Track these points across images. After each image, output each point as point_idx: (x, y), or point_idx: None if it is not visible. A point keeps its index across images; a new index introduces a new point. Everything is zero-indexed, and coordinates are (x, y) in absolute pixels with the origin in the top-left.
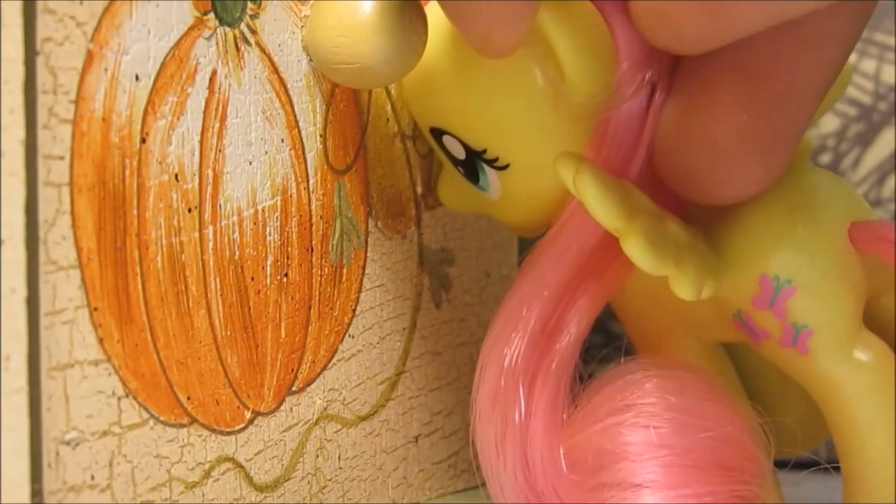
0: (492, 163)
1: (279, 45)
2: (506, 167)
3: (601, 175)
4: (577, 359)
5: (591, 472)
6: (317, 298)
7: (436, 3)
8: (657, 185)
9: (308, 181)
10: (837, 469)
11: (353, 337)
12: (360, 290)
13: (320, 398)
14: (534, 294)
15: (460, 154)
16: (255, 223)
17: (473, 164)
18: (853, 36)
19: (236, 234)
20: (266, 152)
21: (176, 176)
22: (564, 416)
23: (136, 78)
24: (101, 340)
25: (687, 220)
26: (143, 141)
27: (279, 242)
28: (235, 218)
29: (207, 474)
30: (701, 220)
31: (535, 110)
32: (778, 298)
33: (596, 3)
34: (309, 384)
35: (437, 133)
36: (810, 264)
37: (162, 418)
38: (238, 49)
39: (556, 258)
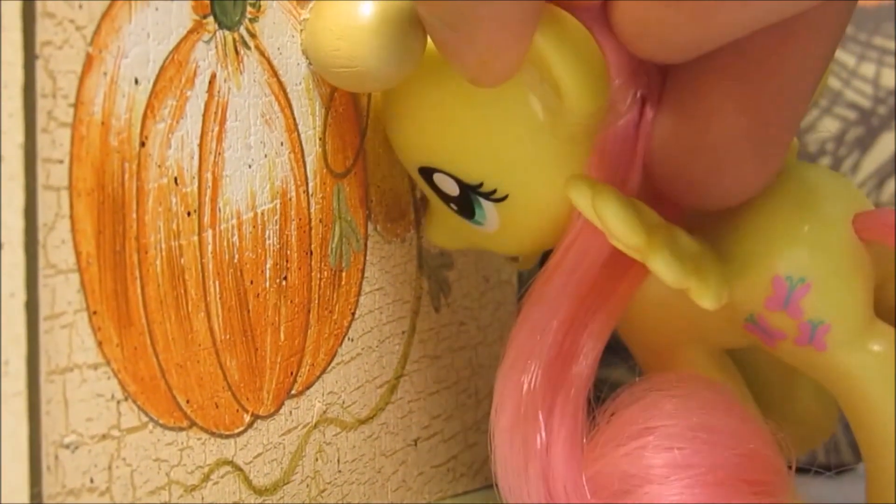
0: (489, 195)
1: (278, 49)
2: (504, 198)
3: (618, 195)
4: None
5: (615, 497)
6: (316, 302)
7: None
8: (654, 198)
9: (307, 184)
10: (836, 473)
11: (352, 340)
12: (359, 294)
13: (319, 401)
14: (546, 320)
15: (453, 191)
16: (254, 227)
17: (468, 199)
18: (840, 28)
19: (235, 238)
20: (265, 156)
21: (175, 179)
22: (585, 441)
23: (136, 81)
24: (100, 344)
25: (687, 229)
26: (143, 144)
27: (278, 246)
28: (235, 221)
29: (207, 477)
30: (701, 228)
31: (532, 137)
32: (792, 298)
33: (582, 21)
34: (308, 387)
35: (427, 172)
36: (822, 260)
37: (161, 422)
38: (237, 52)
39: (564, 282)
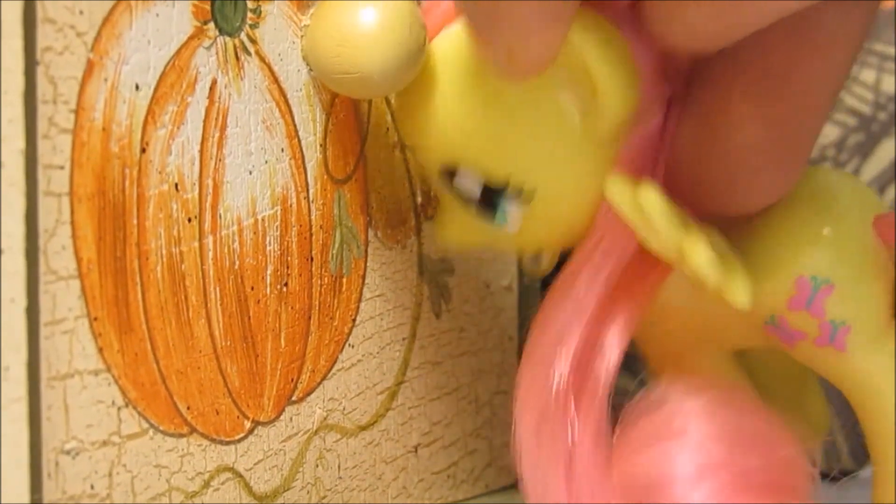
0: (514, 196)
1: (279, 55)
2: (528, 199)
3: (661, 193)
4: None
5: (642, 498)
6: (317, 308)
7: (448, 34)
8: (675, 201)
9: (308, 191)
10: (837, 480)
11: (352, 346)
12: (359, 300)
13: (320, 408)
14: (570, 319)
15: (476, 191)
16: (254, 233)
17: (490, 200)
18: (860, 41)
19: (236, 244)
20: (266, 162)
21: (176, 185)
22: (611, 440)
23: (136, 87)
24: (100, 350)
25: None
26: (143, 150)
27: (279, 252)
28: (235, 227)
29: (207, 484)
30: (721, 230)
31: (562, 137)
32: (816, 298)
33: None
34: (309, 394)
35: (449, 172)
36: (846, 261)
37: (161, 428)
38: (238, 59)
39: (588, 282)
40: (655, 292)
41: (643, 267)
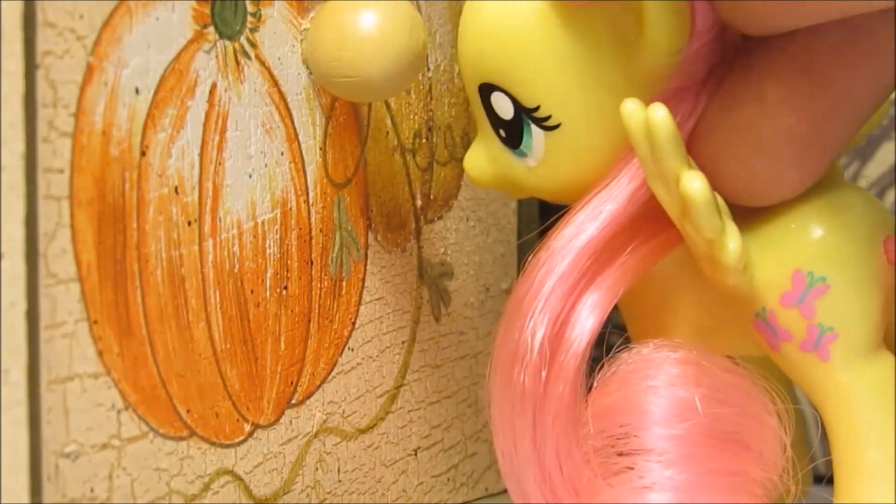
0: (542, 121)
1: (279, 59)
2: (556, 127)
3: (671, 121)
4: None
5: (616, 441)
6: (316, 311)
7: None
8: None
9: (308, 194)
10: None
11: (352, 350)
12: (359, 303)
13: (320, 411)
14: (555, 268)
15: (508, 113)
16: (254, 236)
17: (520, 124)
18: None
19: (236, 247)
20: (266, 165)
21: (176, 189)
22: (583, 402)
23: (136, 91)
24: (100, 353)
25: None
26: (143, 154)
27: (279, 255)
28: (235, 231)
29: (207, 487)
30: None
31: (601, 68)
32: (808, 296)
33: None
34: (308, 397)
35: (487, 90)
36: (846, 265)
37: (161, 431)
38: (238, 62)
39: (581, 229)
40: (651, 265)
41: (645, 233)
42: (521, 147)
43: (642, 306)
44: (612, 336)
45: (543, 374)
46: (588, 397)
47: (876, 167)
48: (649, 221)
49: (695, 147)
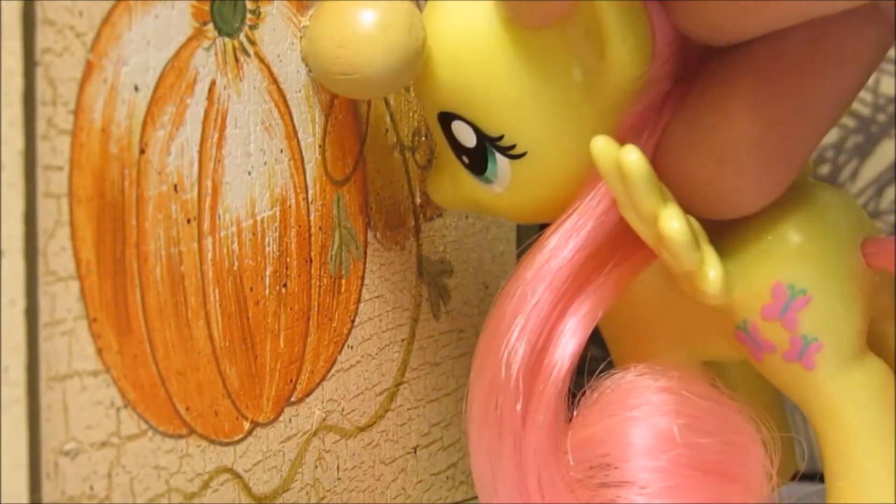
0: (506, 150)
1: (278, 56)
2: (521, 156)
3: (643, 157)
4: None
5: (596, 471)
6: (316, 309)
7: None
8: None
9: (307, 192)
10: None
11: (351, 348)
12: (358, 301)
13: (319, 409)
14: (533, 293)
15: (470, 142)
16: (254, 234)
17: (483, 152)
18: (875, 62)
19: (235, 245)
20: (265, 163)
21: (175, 186)
22: (565, 425)
23: (136, 88)
24: (99, 351)
25: None
26: (143, 151)
27: (278, 253)
28: (234, 228)
29: (206, 485)
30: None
31: (564, 96)
32: (790, 308)
33: None
34: (308, 395)
35: (447, 119)
36: (826, 276)
37: (161, 429)
38: (237, 60)
39: (556, 254)
40: (628, 283)
41: (621, 253)
42: (486, 174)
43: (623, 324)
44: (592, 363)
45: (519, 406)
46: (569, 426)
47: (874, 166)
48: (623, 240)
49: (660, 162)
